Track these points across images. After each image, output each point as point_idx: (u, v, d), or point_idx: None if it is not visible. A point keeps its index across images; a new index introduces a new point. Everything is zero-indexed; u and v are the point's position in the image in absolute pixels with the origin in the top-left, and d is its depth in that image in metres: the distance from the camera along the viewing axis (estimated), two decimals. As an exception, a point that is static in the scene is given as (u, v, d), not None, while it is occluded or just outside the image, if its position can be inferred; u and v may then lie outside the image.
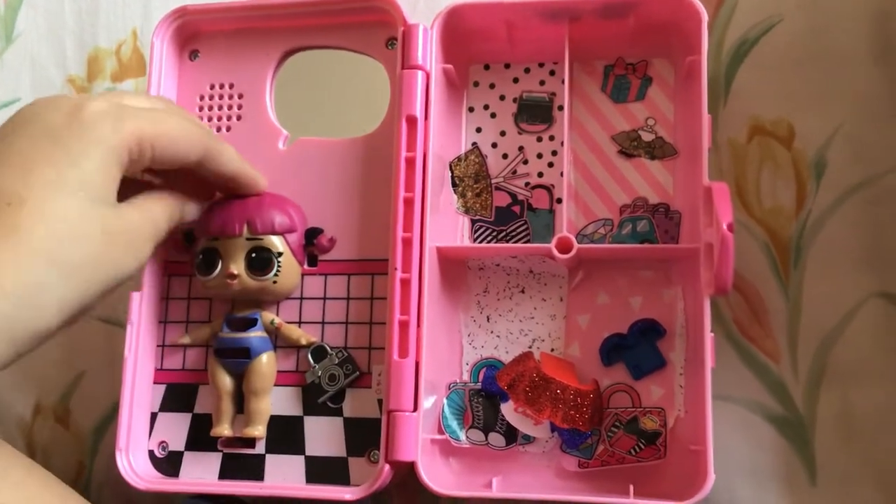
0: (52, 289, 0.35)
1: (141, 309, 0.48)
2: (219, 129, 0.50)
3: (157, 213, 0.42)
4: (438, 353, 0.46)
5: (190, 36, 0.51)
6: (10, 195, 0.35)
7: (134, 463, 0.47)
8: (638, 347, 0.46)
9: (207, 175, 0.44)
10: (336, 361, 0.46)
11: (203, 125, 0.46)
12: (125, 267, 0.39)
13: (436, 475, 0.44)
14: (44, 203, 0.35)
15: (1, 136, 0.38)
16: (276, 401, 0.47)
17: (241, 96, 0.50)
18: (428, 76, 0.47)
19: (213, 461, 0.47)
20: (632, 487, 0.43)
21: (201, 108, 0.51)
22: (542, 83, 0.50)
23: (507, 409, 0.46)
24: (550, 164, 0.49)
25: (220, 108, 0.50)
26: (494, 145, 0.50)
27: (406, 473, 0.45)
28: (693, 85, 0.46)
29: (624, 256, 0.47)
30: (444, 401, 0.47)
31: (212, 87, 0.51)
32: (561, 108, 0.49)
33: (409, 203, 0.45)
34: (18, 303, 0.33)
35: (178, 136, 0.41)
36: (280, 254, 0.46)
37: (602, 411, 0.46)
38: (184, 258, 0.49)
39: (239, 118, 0.50)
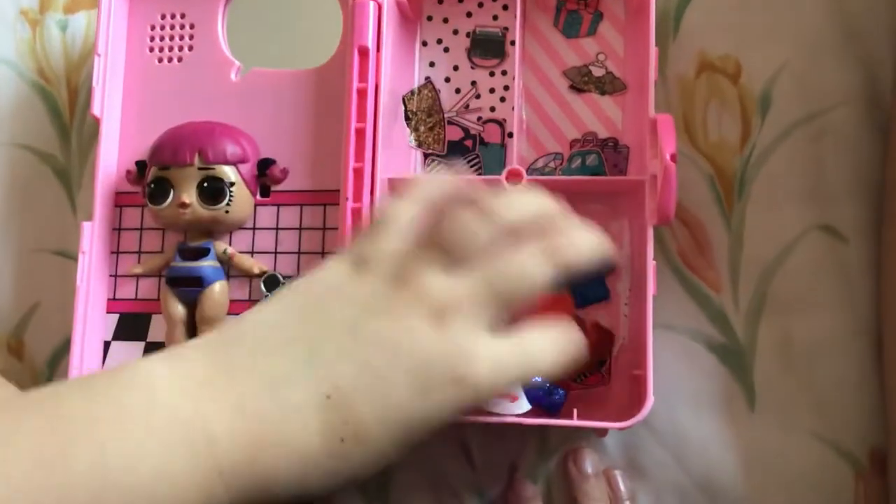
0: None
1: (93, 239, 0.48)
2: (170, 60, 0.50)
3: None
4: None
5: (141, -35, 0.51)
6: (362, 431, 0.33)
7: (87, 391, 0.47)
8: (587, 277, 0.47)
9: None
10: (288, 291, 0.47)
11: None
12: None
13: (386, 401, 0.45)
14: (373, 451, 0.33)
15: (384, 314, 0.34)
16: (228, 330, 0.47)
17: (192, 26, 0.50)
18: (380, 7, 0.47)
19: (166, 389, 0.48)
20: (575, 411, 0.44)
21: (152, 39, 0.50)
22: (495, 18, 0.50)
23: None
24: (502, 99, 0.50)
25: (172, 38, 0.50)
26: (447, 80, 0.50)
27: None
28: (642, 20, 0.46)
29: (572, 189, 0.47)
30: (396, 331, 0.48)
31: (163, 16, 0.50)
32: (513, 42, 0.49)
33: (360, 134, 0.46)
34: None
35: (535, 375, 0.37)
36: (232, 183, 0.46)
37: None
38: (135, 188, 0.49)
39: (191, 48, 0.50)
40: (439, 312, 0.34)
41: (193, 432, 0.31)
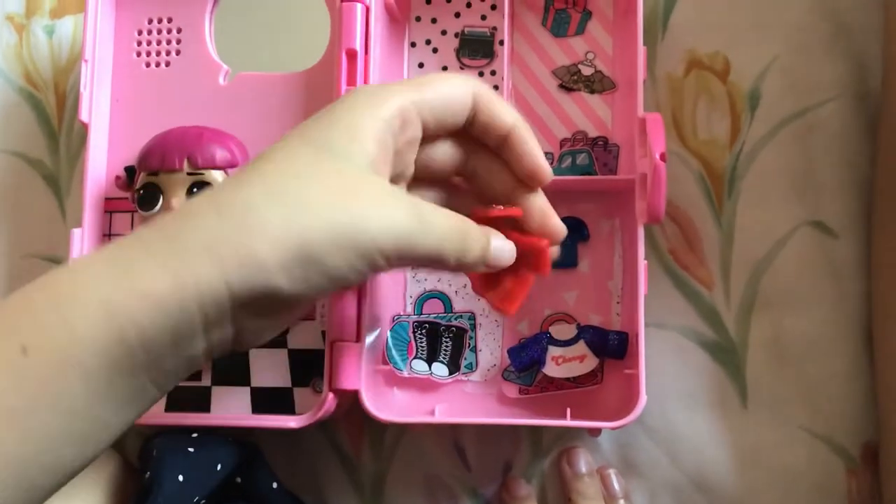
0: None
1: (83, 246, 0.48)
2: (157, 65, 0.50)
3: (438, 221, 0.35)
4: (382, 286, 0.47)
5: (127, -31, 0.51)
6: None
7: (80, 398, 0.47)
8: None
9: (488, 136, 0.38)
10: (280, 295, 0.47)
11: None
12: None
13: (380, 403, 0.45)
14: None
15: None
16: (221, 334, 0.47)
17: (179, 31, 0.50)
18: (368, 9, 0.47)
19: (159, 395, 0.47)
20: (569, 410, 0.44)
21: (139, 44, 0.50)
22: (483, 18, 0.50)
23: (550, 368, 0.46)
24: (492, 99, 0.50)
25: (159, 42, 0.50)
26: (436, 80, 0.50)
27: (352, 405, 0.46)
28: (630, 18, 0.46)
29: (563, 188, 0.47)
30: (389, 333, 0.48)
31: (150, 21, 0.50)
32: (502, 42, 0.49)
33: (350, 137, 0.46)
34: None
35: (442, 86, 0.36)
36: (222, 188, 0.46)
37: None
38: (125, 194, 0.49)
39: (178, 53, 0.50)
40: None
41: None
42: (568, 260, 0.47)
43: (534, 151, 0.38)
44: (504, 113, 0.38)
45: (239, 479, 0.45)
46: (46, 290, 0.29)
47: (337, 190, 0.32)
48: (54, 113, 0.55)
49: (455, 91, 0.37)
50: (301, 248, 0.30)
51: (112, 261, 0.30)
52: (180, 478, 0.43)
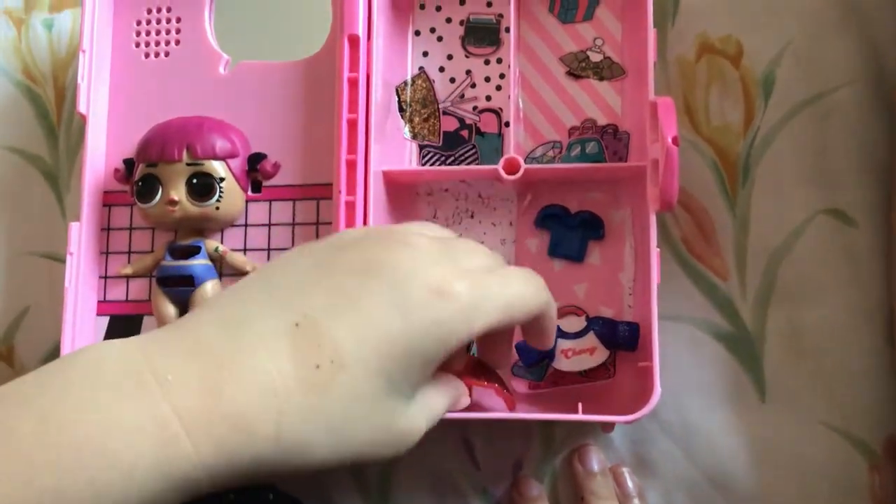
0: (318, 452, 0.32)
1: (81, 240, 0.47)
2: (157, 55, 0.49)
3: (436, 408, 0.36)
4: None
5: (125, -41, 0.50)
6: (339, 354, 0.31)
7: (78, 396, 0.46)
8: (570, 231, 0.46)
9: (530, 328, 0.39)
10: (282, 288, 0.46)
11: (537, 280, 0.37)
12: (384, 457, 0.34)
13: (385, 399, 0.44)
14: (358, 380, 0.31)
15: (354, 247, 0.33)
16: (222, 330, 0.46)
17: (178, 20, 0.49)
18: (371, -5, 0.46)
19: (159, 392, 0.46)
20: (580, 405, 0.43)
21: (138, 34, 0.49)
22: (489, 4, 0.49)
23: (560, 361, 0.45)
24: (498, 88, 0.49)
25: (158, 32, 0.49)
26: (442, 69, 0.49)
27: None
28: (640, 3, 0.45)
29: (572, 177, 0.46)
30: (394, 327, 0.47)
31: (149, 11, 0.49)
32: (508, 29, 0.48)
33: (352, 125, 0.45)
34: (284, 454, 0.31)
35: (523, 310, 0.36)
36: (222, 179, 0.45)
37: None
38: (124, 187, 0.48)
39: (177, 42, 0.49)
40: (409, 243, 0.33)
41: (143, 381, 0.29)
42: (576, 254, 0.46)
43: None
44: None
45: (232, 496, 0.43)
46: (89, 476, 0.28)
47: (382, 437, 0.33)
48: (53, 108, 0.54)
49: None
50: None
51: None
52: None
